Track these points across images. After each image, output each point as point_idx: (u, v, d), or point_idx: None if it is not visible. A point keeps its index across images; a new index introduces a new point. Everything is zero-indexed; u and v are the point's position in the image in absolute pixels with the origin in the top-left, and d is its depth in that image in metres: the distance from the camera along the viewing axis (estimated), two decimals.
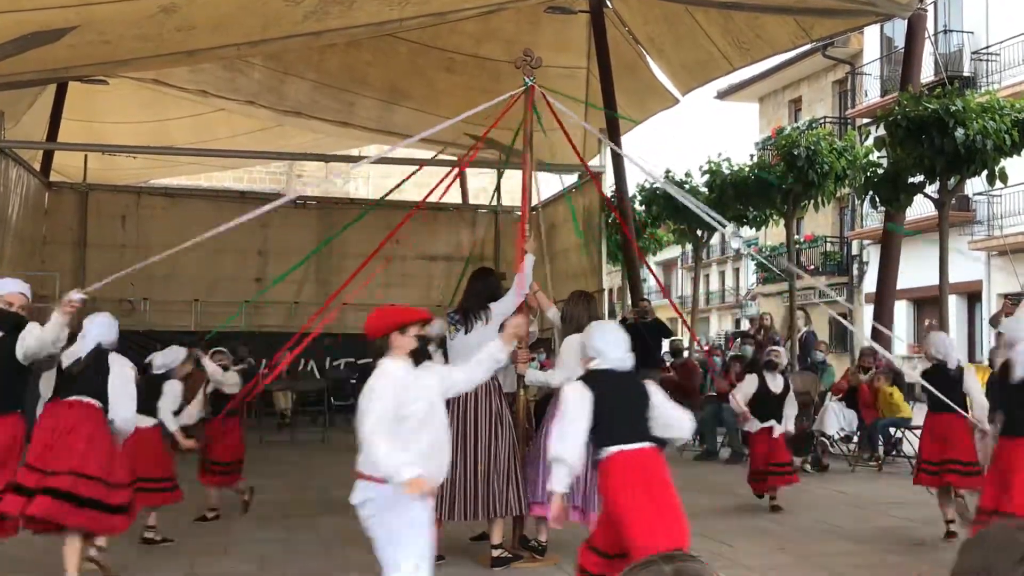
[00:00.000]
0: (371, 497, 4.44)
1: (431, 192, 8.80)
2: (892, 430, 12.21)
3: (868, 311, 25.46)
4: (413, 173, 10.52)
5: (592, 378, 4.89)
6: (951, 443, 7.69)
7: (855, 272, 30.56)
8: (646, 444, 4.79)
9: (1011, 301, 13.23)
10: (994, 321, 11.55)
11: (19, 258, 16.93)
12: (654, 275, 11.28)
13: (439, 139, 18.78)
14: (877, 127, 13.19)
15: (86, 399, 6.09)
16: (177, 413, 7.68)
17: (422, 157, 20.93)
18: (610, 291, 33.95)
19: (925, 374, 8.38)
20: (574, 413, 4.76)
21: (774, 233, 30.29)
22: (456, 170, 9.58)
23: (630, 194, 17.53)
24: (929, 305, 24.39)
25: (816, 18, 13.23)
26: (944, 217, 12.53)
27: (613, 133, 16.01)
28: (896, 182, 12.70)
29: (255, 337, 15.66)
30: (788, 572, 6.90)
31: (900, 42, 20.75)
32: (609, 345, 4.99)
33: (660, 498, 4.67)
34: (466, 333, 6.79)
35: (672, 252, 40.27)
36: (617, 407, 4.81)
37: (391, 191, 10.98)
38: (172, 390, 7.63)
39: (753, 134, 35.76)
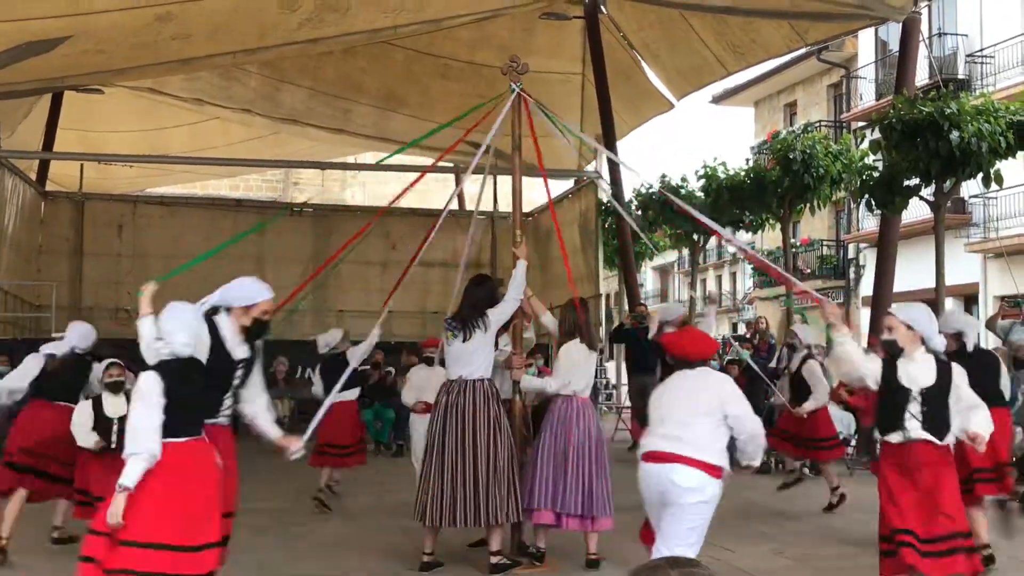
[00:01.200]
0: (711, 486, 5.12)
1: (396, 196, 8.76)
2: None
3: (865, 314, 25.48)
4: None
5: (164, 367, 4.78)
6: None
7: (852, 275, 30.59)
8: (199, 436, 4.76)
9: (1007, 303, 13.25)
10: (991, 324, 11.57)
11: (15, 268, 16.94)
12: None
13: (436, 146, 18.81)
14: (872, 130, 13.19)
15: None
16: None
17: (417, 163, 20.99)
18: (607, 296, 33.95)
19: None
20: (149, 403, 4.66)
21: (770, 237, 30.32)
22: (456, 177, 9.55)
23: (626, 199, 17.56)
24: None
25: (810, 22, 13.27)
26: (940, 220, 12.53)
27: (609, 139, 16.04)
28: (891, 185, 12.70)
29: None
30: (786, 575, 6.91)
31: (894, 45, 20.79)
32: (178, 327, 4.89)
33: (193, 494, 4.64)
34: (464, 340, 6.78)
35: (669, 257, 40.28)
36: (179, 398, 4.71)
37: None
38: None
39: (749, 138, 35.81)
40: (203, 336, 4.95)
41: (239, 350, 5.17)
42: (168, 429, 4.61)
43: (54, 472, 7.35)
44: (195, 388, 4.81)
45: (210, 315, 5.11)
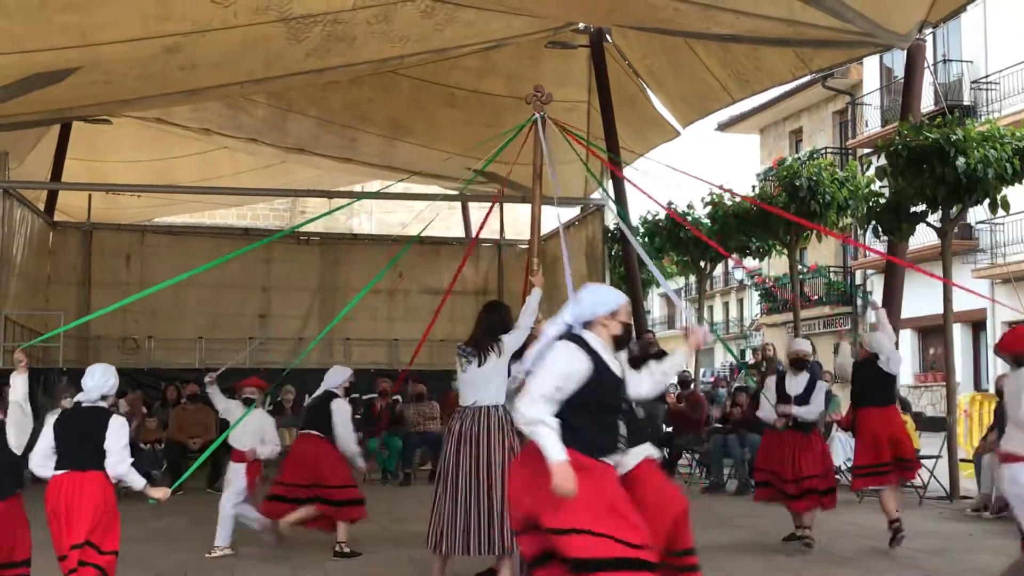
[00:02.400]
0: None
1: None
2: None
3: None
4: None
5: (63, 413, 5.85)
6: None
7: (859, 302, 30.55)
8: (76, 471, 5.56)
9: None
10: (999, 350, 11.54)
11: (23, 297, 16.97)
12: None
13: (443, 174, 18.87)
14: (878, 157, 13.20)
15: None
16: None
17: (422, 191, 21.03)
18: None
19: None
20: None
21: (777, 264, 30.32)
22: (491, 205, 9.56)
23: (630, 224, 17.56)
24: (934, 334, 24.35)
25: (815, 49, 13.29)
26: (947, 246, 12.52)
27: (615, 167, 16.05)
28: (898, 211, 12.70)
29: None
30: None
31: (900, 72, 20.86)
32: (85, 379, 5.80)
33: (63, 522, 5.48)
34: (479, 365, 6.76)
35: (675, 284, 40.28)
36: (64, 438, 5.66)
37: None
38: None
39: (754, 165, 35.88)
40: (578, 365, 4.18)
41: (616, 366, 4.36)
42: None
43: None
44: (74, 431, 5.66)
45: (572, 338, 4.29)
